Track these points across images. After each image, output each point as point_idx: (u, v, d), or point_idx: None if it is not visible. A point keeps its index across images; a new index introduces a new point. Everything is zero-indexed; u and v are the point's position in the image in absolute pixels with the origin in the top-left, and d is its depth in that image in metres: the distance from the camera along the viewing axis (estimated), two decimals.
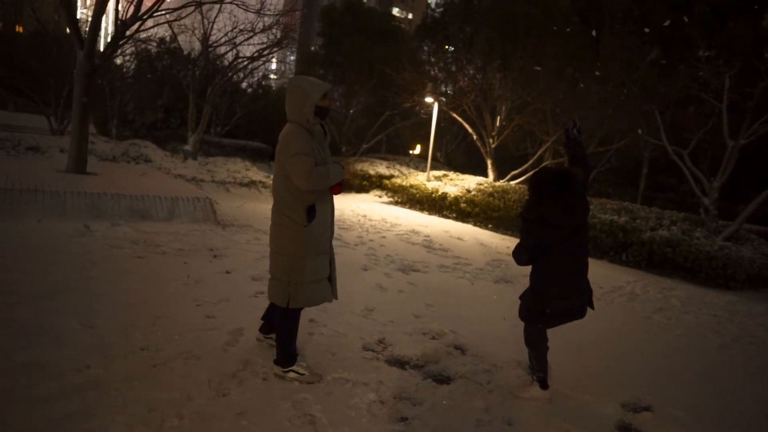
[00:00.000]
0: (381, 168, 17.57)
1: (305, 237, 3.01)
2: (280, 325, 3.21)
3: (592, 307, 3.39)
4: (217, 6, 13.49)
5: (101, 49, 10.36)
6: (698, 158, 10.89)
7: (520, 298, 3.51)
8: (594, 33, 14.26)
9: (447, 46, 20.33)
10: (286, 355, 3.16)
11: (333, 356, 3.56)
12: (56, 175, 8.37)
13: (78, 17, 12.38)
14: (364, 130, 21.16)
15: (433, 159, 16.02)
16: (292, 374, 3.12)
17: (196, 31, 16.78)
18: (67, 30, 10.67)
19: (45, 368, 2.88)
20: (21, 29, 26.00)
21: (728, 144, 9.42)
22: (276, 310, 3.20)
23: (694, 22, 15.04)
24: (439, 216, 12.52)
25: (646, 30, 12.53)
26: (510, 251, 8.92)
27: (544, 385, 3.32)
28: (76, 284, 4.30)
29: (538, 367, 3.34)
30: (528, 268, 3.43)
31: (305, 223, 2.99)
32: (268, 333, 3.53)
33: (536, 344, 3.37)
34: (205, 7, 14.04)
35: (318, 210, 3.03)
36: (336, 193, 3.16)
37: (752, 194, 9.73)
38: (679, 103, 12.57)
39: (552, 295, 3.24)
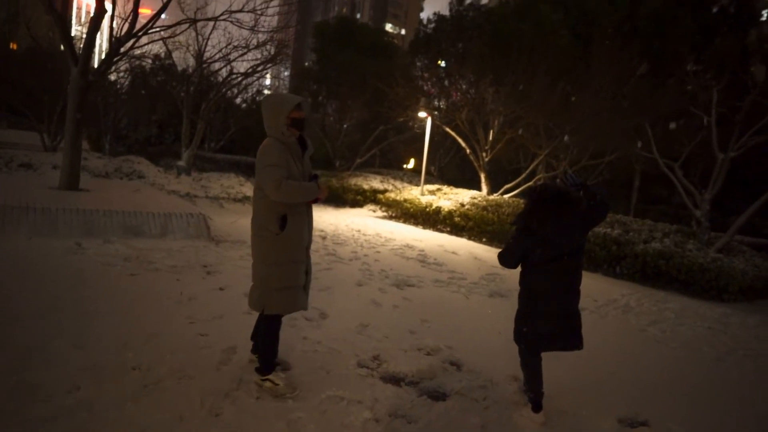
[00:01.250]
0: (375, 182, 17.61)
1: (278, 245, 3.12)
2: (263, 332, 3.27)
3: (581, 344, 3.27)
4: (212, 23, 13.59)
5: (95, 66, 10.40)
6: (689, 171, 10.99)
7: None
8: (585, 49, 14.46)
9: (439, 61, 20.55)
10: (264, 364, 3.23)
11: (327, 374, 3.53)
12: (48, 191, 8.33)
13: (72, 34, 12.43)
14: (358, 145, 21.25)
15: (426, 173, 16.08)
16: (268, 383, 3.17)
17: (191, 48, 16.85)
18: (62, 47, 10.69)
19: (35, 390, 2.83)
20: (15, 46, 26.04)
21: (718, 156, 9.53)
22: (259, 318, 3.28)
23: (681, 38, 15.31)
24: (433, 230, 12.53)
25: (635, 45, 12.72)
26: None
27: (536, 407, 3.24)
28: (67, 303, 4.26)
29: (529, 388, 3.31)
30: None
31: (278, 232, 3.10)
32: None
33: (527, 365, 3.34)
34: (199, 24, 14.13)
35: (291, 221, 3.12)
36: (313, 202, 3.26)
37: (743, 206, 9.82)
38: (670, 117, 12.72)
39: (533, 315, 3.21)
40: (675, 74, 12.78)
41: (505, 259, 3.30)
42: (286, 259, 3.13)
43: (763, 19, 22.58)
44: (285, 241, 3.12)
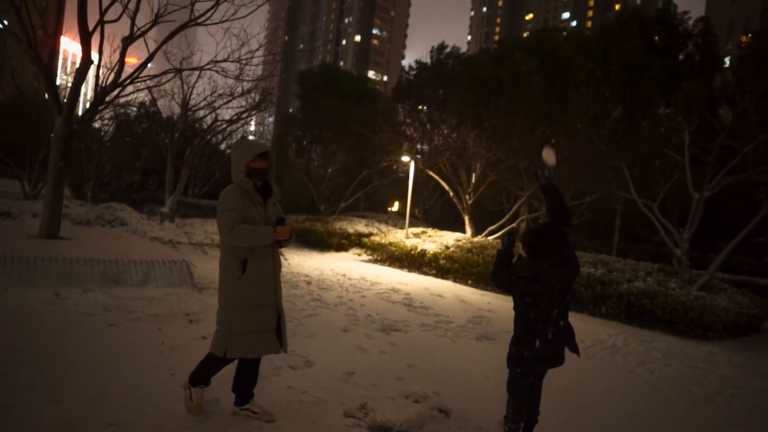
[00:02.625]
0: (360, 226, 17.64)
1: (241, 289, 3.18)
2: (206, 361, 3.31)
3: (577, 352, 3.35)
4: (197, 71, 13.84)
5: (80, 114, 10.45)
6: (667, 210, 11.23)
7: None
8: (561, 94, 15.00)
9: (421, 107, 21.09)
10: (196, 377, 3.30)
11: (313, 424, 3.43)
12: (27, 240, 8.18)
13: (58, 83, 12.54)
14: (343, 189, 21.40)
15: (411, 216, 16.20)
16: (188, 391, 3.29)
17: (176, 96, 17.09)
18: (47, 96, 10.76)
19: None
20: (0, 96, 26.13)
21: (694, 196, 9.78)
22: (208, 354, 3.31)
23: (652, 83, 16.00)
24: (418, 273, 12.50)
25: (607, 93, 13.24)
26: (491, 307, 8.89)
27: None
28: (44, 356, 4.12)
29: (513, 419, 3.28)
30: (510, 325, 3.42)
31: (239, 275, 3.17)
32: (243, 404, 3.42)
33: (518, 394, 3.32)
34: (185, 73, 14.38)
35: (252, 264, 3.18)
36: (279, 246, 3.33)
37: (721, 243, 10.03)
38: (646, 158, 13.11)
39: (532, 338, 3.23)
40: (648, 117, 13.28)
41: (498, 285, 3.40)
42: (249, 303, 3.19)
43: (726, 66, 23.77)
44: (247, 284, 3.18)
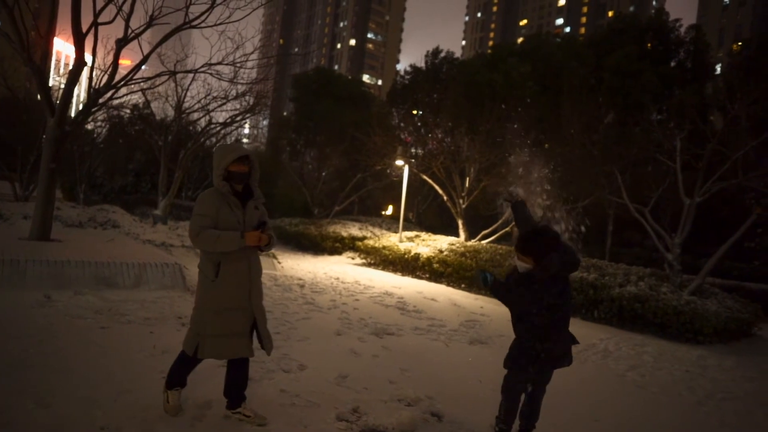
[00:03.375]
0: (353, 230, 17.63)
1: (215, 292, 3.22)
2: (177, 359, 3.38)
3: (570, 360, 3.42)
4: (192, 74, 13.81)
5: (72, 116, 10.39)
6: (659, 215, 11.31)
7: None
8: (554, 100, 15.10)
9: (415, 111, 21.14)
10: (171, 379, 3.38)
11: (306, 428, 3.42)
12: (17, 242, 8.12)
13: (50, 84, 12.47)
14: (337, 192, 21.38)
15: (405, 220, 16.20)
16: (165, 395, 3.36)
17: (170, 98, 17.03)
18: (39, 97, 10.70)
19: None
20: None
21: (685, 201, 9.86)
22: (180, 353, 3.36)
23: (644, 90, 16.13)
24: (412, 277, 12.51)
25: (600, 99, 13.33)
26: (484, 311, 8.90)
27: None
28: (34, 359, 4.08)
29: (504, 418, 3.30)
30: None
31: (213, 278, 3.21)
32: (234, 407, 3.42)
33: (511, 394, 3.34)
34: (179, 75, 14.34)
35: (225, 268, 3.21)
36: (261, 249, 3.33)
37: (711, 248, 10.10)
38: (638, 163, 13.22)
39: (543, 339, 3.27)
40: (640, 123, 13.38)
41: (499, 296, 3.39)
42: (221, 305, 3.22)
43: (717, 73, 24.02)
44: (221, 287, 3.21)
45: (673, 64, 20.92)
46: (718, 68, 27.25)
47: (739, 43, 19.92)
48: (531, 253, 3.21)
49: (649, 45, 20.79)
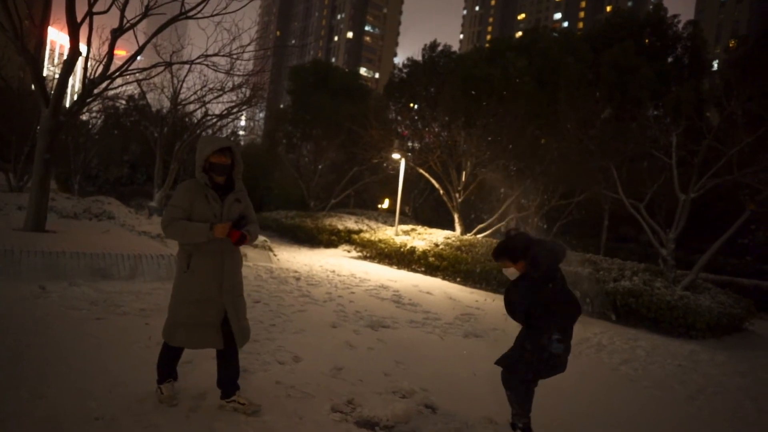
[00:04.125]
0: (349, 223, 17.63)
1: (187, 283, 3.29)
2: (161, 353, 3.45)
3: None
4: (188, 65, 13.73)
5: (67, 106, 10.32)
6: (654, 210, 11.36)
7: (504, 364, 3.48)
8: (551, 94, 15.10)
9: (412, 104, 21.11)
10: (160, 372, 3.45)
11: (300, 419, 3.44)
12: (12, 233, 8.08)
13: (45, 74, 12.37)
14: (333, 185, 21.36)
15: (401, 213, 16.22)
16: (158, 390, 3.42)
17: (166, 89, 16.93)
18: (33, 87, 10.62)
19: None
20: None
21: (680, 197, 9.91)
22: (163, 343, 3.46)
23: (641, 85, 16.15)
24: (407, 270, 12.53)
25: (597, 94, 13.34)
26: (479, 304, 8.93)
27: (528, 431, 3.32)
28: (28, 350, 4.08)
29: (520, 411, 3.35)
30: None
31: (185, 269, 3.29)
32: (228, 397, 3.44)
33: (514, 389, 3.38)
34: (174, 67, 14.25)
35: (197, 261, 3.27)
36: (236, 243, 3.31)
37: (705, 244, 10.16)
38: (634, 159, 13.25)
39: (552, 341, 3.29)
40: (637, 119, 13.40)
41: (517, 314, 3.37)
42: (192, 296, 3.27)
43: (714, 69, 24.05)
44: (192, 279, 3.27)
45: (670, 59, 20.95)
46: (715, 64, 27.31)
47: (736, 40, 19.89)
48: (505, 253, 3.35)
49: (646, 41, 20.81)
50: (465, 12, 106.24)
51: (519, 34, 27.57)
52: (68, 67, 9.00)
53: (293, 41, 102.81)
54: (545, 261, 3.21)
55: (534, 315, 3.24)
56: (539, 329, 3.26)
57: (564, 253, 3.32)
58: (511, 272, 3.38)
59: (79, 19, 8.68)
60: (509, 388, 3.40)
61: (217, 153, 3.24)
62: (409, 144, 20.31)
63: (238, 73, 13.74)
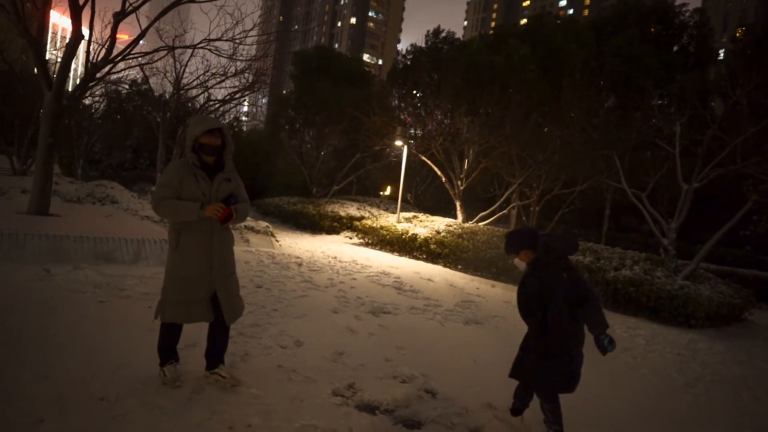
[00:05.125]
0: (351, 209, 17.65)
1: (176, 261, 3.38)
2: (159, 334, 3.52)
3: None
4: (190, 50, 13.66)
5: (70, 90, 10.30)
6: (656, 200, 11.34)
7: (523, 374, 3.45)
8: (555, 83, 14.99)
9: (415, 91, 20.99)
10: (161, 355, 3.52)
11: (302, 402, 3.48)
12: (16, 216, 8.12)
13: (47, 58, 12.32)
14: (335, 172, 21.35)
15: (403, 200, 16.22)
16: (161, 371, 3.48)
17: (168, 74, 16.87)
18: (35, 70, 10.59)
19: None
20: None
21: (683, 187, 9.89)
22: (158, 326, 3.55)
23: (646, 74, 16.02)
24: (409, 257, 12.57)
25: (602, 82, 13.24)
26: (479, 292, 8.95)
27: None
28: (33, 332, 4.13)
29: (556, 420, 3.34)
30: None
31: (174, 247, 3.38)
32: (212, 368, 3.59)
33: (555, 402, 3.38)
34: (177, 51, 14.19)
35: (186, 239, 3.35)
36: (222, 222, 3.37)
37: (707, 234, 10.16)
38: (637, 148, 13.21)
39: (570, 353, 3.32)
40: (641, 108, 13.32)
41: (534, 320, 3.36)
42: (180, 273, 3.36)
43: (720, 58, 23.81)
44: (181, 257, 3.36)
45: (675, 48, 20.75)
46: (721, 53, 27.04)
47: (743, 28, 19.66)
48: (515, 245, 3.37)
49: (652, 29, 20.59)
50: None
51: (524, 21, 27.27)
52: (70, 50, 8.97)
53: (296, 26, 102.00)
54: (557, 244, 3.24)
55: (557, 314, 3.18)
56: (577, 328, 3.24)
57: (576, 245, 3.37)
58: (517, 262, 3.42)
59: (81, 2, 8.63)
60: (546, 398, 3.36)
61: (207, 134, 3.30)
62: (412, 131, 20.24)
63: (240, 58, 13.69)
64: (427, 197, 24.08)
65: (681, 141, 10.28)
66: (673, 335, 7.23)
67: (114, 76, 15.60)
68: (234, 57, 13.01)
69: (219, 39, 11.07)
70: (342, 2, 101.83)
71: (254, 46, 15.51)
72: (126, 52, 9.62)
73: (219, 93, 19.17)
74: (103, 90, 19.51)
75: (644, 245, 14.77)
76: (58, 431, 2.74)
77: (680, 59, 19.73)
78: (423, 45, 25.43)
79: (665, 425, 4.00)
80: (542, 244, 3.27)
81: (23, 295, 5.14)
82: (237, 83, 16.54)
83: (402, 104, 21.86)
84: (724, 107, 10.86)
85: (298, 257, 10.41)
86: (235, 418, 3.11)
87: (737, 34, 19.14)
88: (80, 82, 9.74)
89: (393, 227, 13.55)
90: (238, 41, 11.72)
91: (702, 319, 7.85)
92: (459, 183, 15.46)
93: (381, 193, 26.76)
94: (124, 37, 11.57)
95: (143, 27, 9.70)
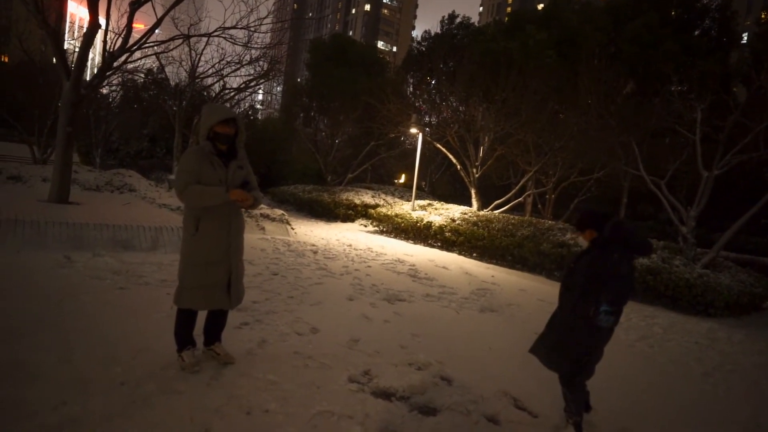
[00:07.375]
0: (366, 197, 17.66)
1: (194, 246, 3.39)
2: (176, 320, 3.58)
3: None
4: (205, 38, 13.68)
5: (88, 79, 10.41)
6: (675, 188, 11.16)
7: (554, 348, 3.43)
8: (572, 68, 14.72)
9: (430, 79, 20.81)
10: (178, 341, 3.57)
11: (318, 389, 3.52)
12: (37, 204, 8.27)
13: (65, 48, 12.45)
14: (350, 160, 21.35)
15: (418, 188, 16.19)
16: (179, 358, 3.53)
17: (184, 63, 16.94)
18: (54, 60, 10.71)
19: (20, 406, 2.80)
20: (7, 59, 26.00)
21: (703, 174, 9.70)
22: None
23: (665, 59, 15.65)
24: (424, 245, 12.56)
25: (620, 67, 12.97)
26: (495, 280, 8.92)
27: (579, 429, 3.29)
28: (55, 318, 4.22)
29: (577, 412, 3.31)
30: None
31: (193, 232, 3.39)
32: (208, 345, 3.71)
33: (581, 388, 3.36)
34: (192, 40, 14.22)
35: (206, 224, 3.38)
36: (248, 208, 3.47)
37: (727, 222, 9.97)
38: (656, 135, 12.96)
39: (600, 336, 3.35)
40: (660, 94, 13.04)
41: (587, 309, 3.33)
42: (200, 259, 3.39)
43: (743, 42, 23.16)
44: (200, 242, 3.38)
45: (697, 32, 20.21)
46: (745, 37, 26.29)
47: None
48: (585, 224, 3.40)
49: (672, 13, 20.06)
50: None
51: (540, 6, 26.81)
52: (88, 40, 9.04)
53: (310, 14, 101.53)
54: (628, 234, 3.19)
55: (589, 289, 3.21)
56: (587, 301, 3.24)
57: (648, 249, 3.32)
58: (581, 240, 3.47)
59: None
60: (569, 387, 3.34)
61: (222, 123, 3.36)
62: (427, 119, 20.11)
63: (255, 45, 13.68)
64: (441, 185, 23.98)
65: (701, 127, 10.06)
66: (691, 324, 7.14)
67: (130, 66, 15.71)
68: (249, 45, 13.00)
69: (234, 27, 11.07)
70: None
71: (269, 34, 15.51)
72: (142, 41, 9.67)
73: (234, 81, 19.19)
74: (120, 79, 19.67)
75: (662, 233, 14.57)
76: (80, 413, 2.81)
77: (701, 44, 19.23)
78: (438, 31, 25.18)
79: (683, 414, 3.97)
80: (612, 226, 3.22)
81: (45, 281, 5.25)
82: (252, 71, 16.57)
83: (417, 92, 21.70)
84: (747, 92, 10.57)
85: (313, 245, 10.47)
86: (253, 404, 3.15)
87: (762, 17, 18.57)
88: (97, 72, 9.83)
89: (408, 215, 13.53)
90: (252, 29, 11.73)
91: (721, 308, 7.75)
92: (474, 171, 15.36)
93: (395, 180, 26.72)
94: (140, 27, 11.64)
95: (159, 16, 9.74)
